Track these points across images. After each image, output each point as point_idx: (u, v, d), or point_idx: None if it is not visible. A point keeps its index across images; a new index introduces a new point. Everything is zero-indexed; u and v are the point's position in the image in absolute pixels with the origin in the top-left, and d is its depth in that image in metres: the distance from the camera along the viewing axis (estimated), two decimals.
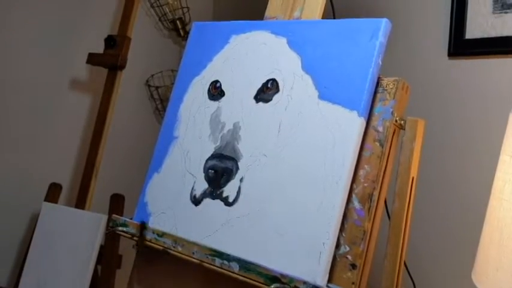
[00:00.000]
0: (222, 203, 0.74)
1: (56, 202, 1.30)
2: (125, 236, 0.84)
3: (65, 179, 1.44)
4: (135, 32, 1.36)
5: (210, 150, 0.78)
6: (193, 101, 0.85)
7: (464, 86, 1.19)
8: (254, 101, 0.77)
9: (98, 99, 1.36)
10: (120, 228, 0.83)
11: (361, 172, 0.67)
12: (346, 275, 0.64)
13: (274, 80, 0.76)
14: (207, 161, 0.78)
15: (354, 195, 0.67)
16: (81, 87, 1.50)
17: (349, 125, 0.66)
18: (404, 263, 0.71)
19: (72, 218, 1.20)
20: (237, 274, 0.68)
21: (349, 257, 0.65)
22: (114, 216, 0.85)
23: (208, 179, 0.77)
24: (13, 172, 1.36)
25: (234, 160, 0.75)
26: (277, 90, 0.75)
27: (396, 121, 0.68)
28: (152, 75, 1.66)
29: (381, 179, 0.66)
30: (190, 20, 1.70)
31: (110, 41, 1.33)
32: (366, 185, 0.66)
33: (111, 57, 1.32)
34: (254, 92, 0.77)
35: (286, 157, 0.71)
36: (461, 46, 1.19)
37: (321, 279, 0.63)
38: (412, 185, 0.69)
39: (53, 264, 1.17)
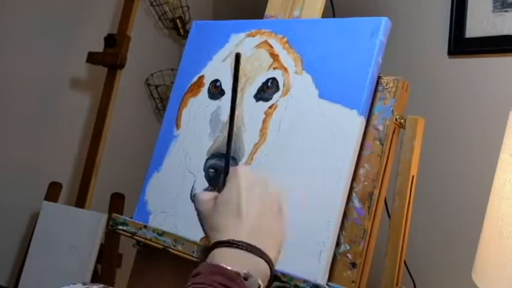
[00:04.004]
0: None
1: (56, 201, 1.30)
2: (125, 235, 0.83)
3: (65, 178, 1.44)
4: (135, 31, 1.36)
5: (210, 149, 0.78)
6: (193, 100, 0.85)
7: (465, 85, 1.19)
8: (254, 100, 0.77)
9: (98, 98, 1.35)
10: (120, 227, 0.83)
11: (361, 171, 0.67)
12: (346, 274, 0.64)
13: (274, 79, 0.76)
14: (207, 160, 0.78)
15: (354, 194, 0.67)
16: (81, 86, 1.50)
17: (349, 123, 0.66)
18: (404, 262, 0.71)
19: (72, 216, 1.20)
20: None
21: (349, 255, 0.65)
22: (114, 215, 0.85)
23: (208, 178, 0.77)
24: (13, 171, 1.36)
25: (235, 159, 0.75)
26: (277, 89, 0.75)
27: (396, 120, 0.68)
28: (152, 74, 1.66)
29: (381, 177, 0.66)
30: (190, 18, 1.70)
31: (109, 40, 1.33)
32: (366, 183, 0.66)
33: (110, 56, 1.32)
34: (254, 91, 0.77)
35: (286, 156, 0.71)
36: (462, 45, 1.19)
37: (321, 277, 0.63)
38: (412, 183, 0.69)
39: (53, 263, 1.17)
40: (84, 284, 0.60)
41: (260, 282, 0.50)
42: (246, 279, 0.49)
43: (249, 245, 0.52)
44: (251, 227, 0.54)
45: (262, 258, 0.52)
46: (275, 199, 0.59)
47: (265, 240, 0.54)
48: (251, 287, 0.49)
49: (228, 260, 0.50)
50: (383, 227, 0.69)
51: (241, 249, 0.51)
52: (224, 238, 0.53)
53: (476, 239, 0.68)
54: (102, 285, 0.60)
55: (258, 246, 0.52)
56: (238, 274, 0.49)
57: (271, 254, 0.53)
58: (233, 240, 0.52)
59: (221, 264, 0.49)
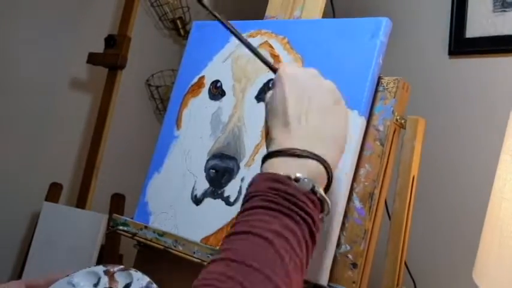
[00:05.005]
0: (223, 203, 0.74)
1: (56, 202, 1.30)
2: (125, 236, 0.84)
3: (65, 179, 1.44)
4: (135, 32, 1.36)
5: (211, 150, 0.78)
6: (193, 101, 0.85)
7: (465, 85, 1.19)
8: (255, 101, 0.77)
9: (98, 99, 1.36)
10: (121, 227, 0.83)
11: (361, 171, 0.67)
12: (347, 274, 0.64)
13: None
14: (208, 160, 0.78)
15: (354, 194, 0.67)
16: (81, 87, 1.50)
17: (349, 124, 0.66)
18: (405, 262, 0.71)
19: (72, 217, 1.20)
20: None
21: (350, 256, 0.65)
22: (115, 215, 0.85)
23: (209, 178, 0.77)
24: (13, 172, 1.36)
25: (235, 160, 0.75)
26: None
27: (397, 120, 0.68)
28: (152, 75, 1.66)
29: (381, 178, 0.66)
30: (190, 19, 1.70)
31: (110, 41, 1.33)
32: (366, 184, 0.66)
33: (111, 56, 1.32)
34: (255, 92, 0.77)
35: None
36: (462, 45, 1.19)
37: (322, 278, 0.63)
38: (413, 184, 0.69)
39: (53, 263, 1.17)
40: (104, 266, 0.61)
41: (314, 182, 0.49)
42: (297, 181, 0.49)
43: (298, 149, 0.51)
44: (301, 133, 0.53)
45: (315, 159, 0.51)
46: (328, 92, 0.57)
47: (317, 141, 0.53)
48: (303, 187, 0.49)
49: (279, 166, 0.50)
50: (383, 227, 0.69)
51: (292, 156, 0.51)
52: (275, 148, 0.52)
53: (476, 239, 0.68)
54: (121, 266, 0.61)
55: (310, 149, 0.51)
56: (288, 177, 0.48)
57: (327, 154, 0.52)
58: (282, 149, 0.51)
59: (271, 171, 0.50)
